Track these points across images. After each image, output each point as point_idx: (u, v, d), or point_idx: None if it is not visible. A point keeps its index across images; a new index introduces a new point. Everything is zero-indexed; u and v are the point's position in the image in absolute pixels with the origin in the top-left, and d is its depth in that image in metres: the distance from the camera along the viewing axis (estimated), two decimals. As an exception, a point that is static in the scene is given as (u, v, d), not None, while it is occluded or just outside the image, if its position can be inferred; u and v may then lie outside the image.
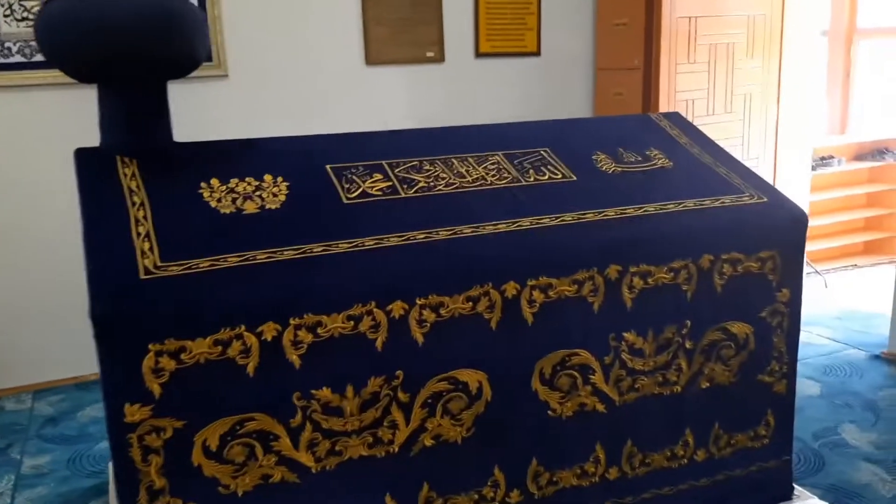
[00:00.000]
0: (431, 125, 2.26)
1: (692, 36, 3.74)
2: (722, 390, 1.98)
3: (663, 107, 3.71)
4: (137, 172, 1.72)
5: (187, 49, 1.74)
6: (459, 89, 3.90)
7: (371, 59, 3.70)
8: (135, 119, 1.76)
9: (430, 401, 1.68)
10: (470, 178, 1.92)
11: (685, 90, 3.79)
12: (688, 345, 1.92)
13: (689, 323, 1.90)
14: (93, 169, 1.72)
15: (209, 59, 3.39)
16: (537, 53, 4.06)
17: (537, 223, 1.80)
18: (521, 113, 3.92)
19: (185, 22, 1.70)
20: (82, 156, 1.76)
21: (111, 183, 1.68)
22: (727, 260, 1.91)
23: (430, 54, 3.80)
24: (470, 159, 1.99)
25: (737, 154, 3.90)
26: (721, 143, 3.86)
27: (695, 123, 3.80)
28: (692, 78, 3.79)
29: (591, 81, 4.21)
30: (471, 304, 1.67)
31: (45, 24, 1.63)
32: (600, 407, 1.85)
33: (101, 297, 1.44)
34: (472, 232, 1.74)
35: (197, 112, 3.36)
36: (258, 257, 1.57)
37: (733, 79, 3.90)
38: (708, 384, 1.96)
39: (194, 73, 3.33)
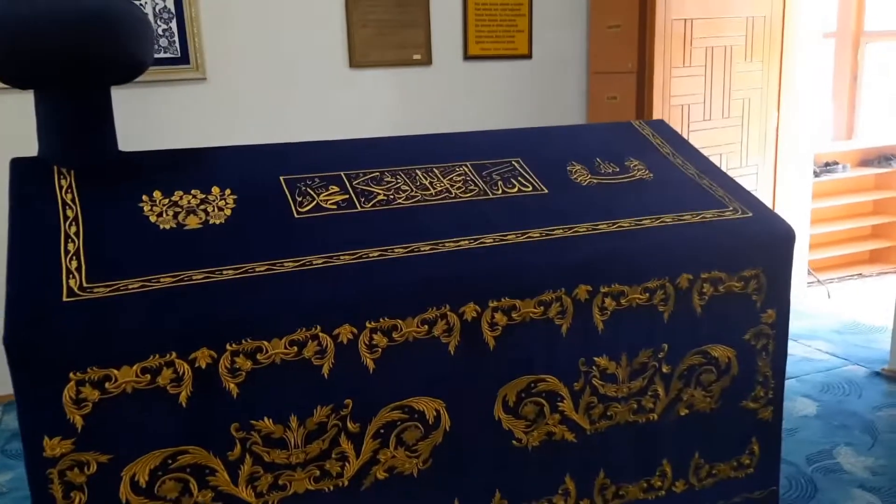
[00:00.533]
0: (418, 130, 2.15)
1: (688, 38, 3.60)
2: (702, 417, 1.86)
3: (657, 112, 3.58)
4: (74, 184, 1.62)
5: (128, 51, 1.62)
6: (447, 93, 3.78)
7: (355, 61, 3.59)
8: (73, 127, 1.65)
9: (382, 431, 1.56)
10: (433, 191, 1.80)
11: (680, 94, 3.65)
12: (665, 369, 1.80)
13: (666, 346, 1.78)
14: (27, 180, 1.61)
15: (186, 61, 3.29)
16: (528, 56, 3.94)
17: (501, 240, 1.68)
18: (511, 118, 3.81)
19: (124, 22, 1.59)
20: (18, 166, 1.65)
21: (44, 196, 1.58)
22: (707, 279, 1.79)
23: (416, 57, 3.68)
24: (435, 170, 1.88)
25: (735, 161, 3.78)
26: (718, 150, 3.76)
27: (690, 129, 3.70)
28: (688, 82, 3.65)
29: (584, 85, 4.08)
30: (426, 327, 1.56)
31: (-29, 27, 1.52)
32: (570, 436, 1.74)
33: (17, 321, 1.33)
34: (431, 249, 1.63)
35: (174, 117, 3.28)
36: (194, 277, 1.46)
37: (731, 83, 3.76)
38: (687, 411, 1.84)
39: (171, 76, 3.28)
